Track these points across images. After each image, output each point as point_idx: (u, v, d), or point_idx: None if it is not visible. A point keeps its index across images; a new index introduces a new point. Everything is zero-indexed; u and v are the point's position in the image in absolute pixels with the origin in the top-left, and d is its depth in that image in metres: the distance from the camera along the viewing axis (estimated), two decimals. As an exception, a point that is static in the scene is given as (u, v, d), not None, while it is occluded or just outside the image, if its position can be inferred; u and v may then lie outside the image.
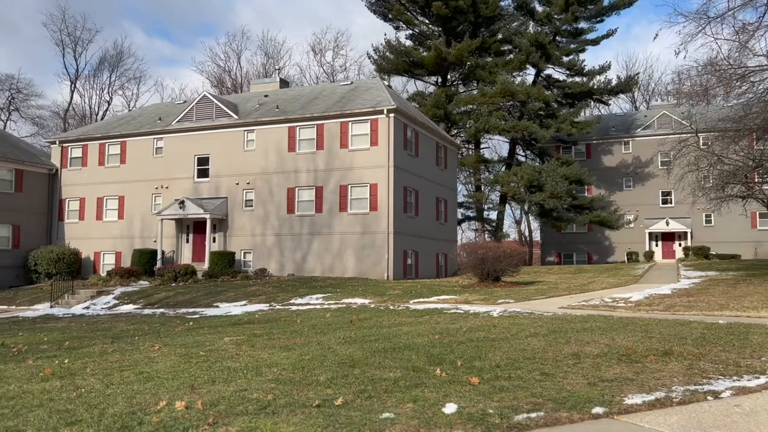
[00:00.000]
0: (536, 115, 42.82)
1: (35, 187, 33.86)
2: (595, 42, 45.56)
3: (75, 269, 31.94)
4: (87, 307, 23.12)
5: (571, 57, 44.78)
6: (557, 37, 44.90)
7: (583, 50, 45.68)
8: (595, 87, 45.08)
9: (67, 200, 34.25)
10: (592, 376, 7.34)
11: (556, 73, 46.73)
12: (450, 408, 5.95)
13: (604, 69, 44.81)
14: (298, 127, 29.71)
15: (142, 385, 7.48)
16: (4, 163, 32.47)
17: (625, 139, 46.76)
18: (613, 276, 25.93)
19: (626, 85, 47.13)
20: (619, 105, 63.05)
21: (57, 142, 35.38)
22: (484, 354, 8.93)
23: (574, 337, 10.35)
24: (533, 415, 5.76)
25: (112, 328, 15.49)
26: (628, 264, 36.94)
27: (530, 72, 45.92)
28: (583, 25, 45.29)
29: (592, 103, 49.05)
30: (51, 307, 23.91)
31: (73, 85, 59.81)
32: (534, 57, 41.98)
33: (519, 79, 44.45)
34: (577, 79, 45.43)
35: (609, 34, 45.30)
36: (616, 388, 6.73)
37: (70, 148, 34.66)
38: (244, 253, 30.04)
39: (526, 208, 49.46)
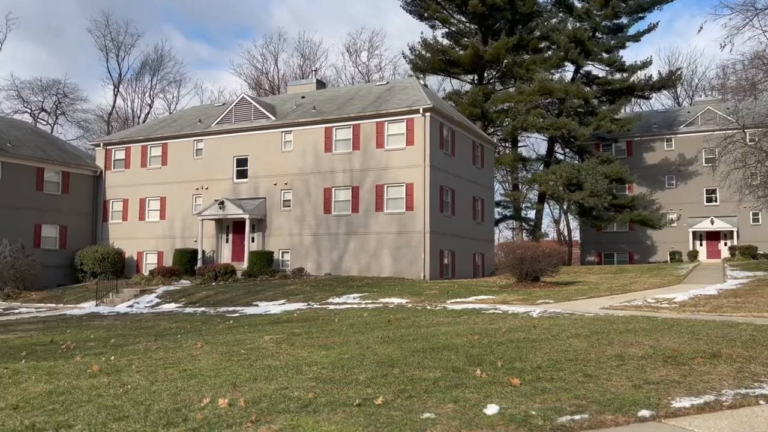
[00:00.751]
0: (575, 112, 42.13)
1: (81, 189, 34.87)
2: (636, 38, 44.57)
3: (119, 268, 32.77)
4: (130, 306, 23.70)
5: (612, 53, 43.90)
6: (597, 33, 44.09)
7: (623, 46, 44.73)
8: (637, 83, 44.11)
9: (111, 201, 35.17)
10: (637, 378, 7.18)
11: (596, 70, 45.91)
12: (491, 409, 5.90)
13: (645, 65, 43.80)
14: (334, 128, 29.88)
15: (186, 382, 7.61)
16: (51, 165, 33.55)
17: (668, 136, 45.61)
18: (656, 276, 25.34)
19: (669, 81, 46.01)
20: (661, 101, 61.61)
21: (101, 145, 36.36)
22: (524, 355, 8.82)
23: (617, 338, 10.15)
24: (577, 417, 5.67)
25: (155, 326, 15.84)
26: (671, 264, 36.04)
27: (569, 69, 45.23)
28: (623, 20, 44.33)
29: (633, 99, 48.01)
30: (96, 305, 24.58)
31: (116, 89, 61.45)
32: (573, 53, 41.32)
33: (557, 76, 43.83)
34: (618, 75, 44.52)
35: (650, 29, 44.24)
36: (663, 391, 6.57)
37: (113, 150, 35.58)
38: (282, 252, 30.36)
39: (565, 207, 48.74)
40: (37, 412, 6.28)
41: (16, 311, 23.01)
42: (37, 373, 8.68)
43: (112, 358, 9.87)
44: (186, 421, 5.70)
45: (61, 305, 25.17)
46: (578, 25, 43.76)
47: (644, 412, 5.79)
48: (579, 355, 8.75)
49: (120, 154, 35.29)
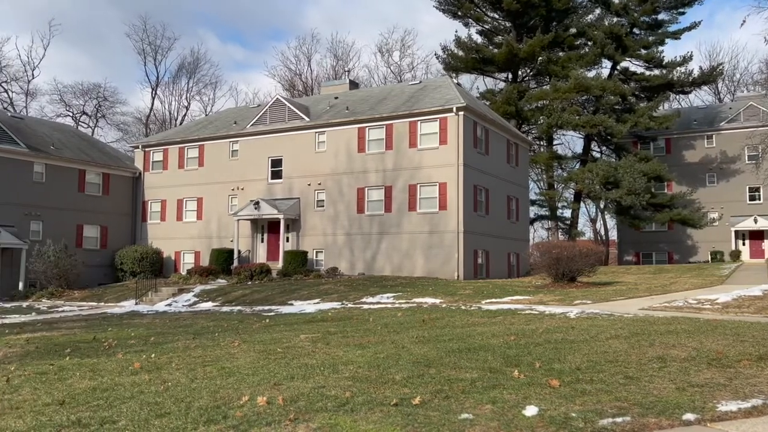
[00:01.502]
0: (612, 109, 41.37)
1: (120, 190, 35.72)
2: (676, 35, 43.52)
3: (157, 268, 33.45)
4: (169, 305, 24.15)
5: (650, 49, 42.96)
6: (634, 29, 43.21)
7: (662, 42, 43.73)
8: (676, 79, 43.06)
9: (149, 202, 35.92)
10: (680, 381, 7.01)
11: (633, 66, 44.99)
12: (530, 410, 5.82)
13: (685, 60, 42.74)
14: (367, 128, 29.95)
15: (225, 380, 7.72)
16: (93, 167, 34.45)
17: (708, 133, 44.41)
18: (697, 276, 24.71)
19: (709, 76, 44.83)
20: (701, 97, 60.04)
21: (140, 147, 37.18)
22: (563, 356, 8.69)
23: (659, 339, 9.93)
24: (619, 419, 5.56)
25: (193, 324, 16.10)
26: (713, 264, 35.09)
27: (605, 66, 44.45)
28: (663, 16, 43.33)
29: (672, 96, 46.88)
30: (136, 304, 25.12)
31: (153, 92, 62.73)
32: (609, 49, 40.58)
33: (593, 73, 43.08)
34: (656, 71, 43.55)
35: (692, 27, 43.12)
36: (708, 394, 6.40)
37: (151, 152, 36.33)
38: (316, 252, 30.56)
39: (601, 205, 47.89)
40: (82, 408, 6.44)
41: (60, 309, 23.67)
42: (81, 369, 8.90)
43: (153, 355, 10.06)
44: (226, 419, 5.77)
45: (102, 304, 25.79)
46: (615, 20, 42.96)
47: (689, 416, 5.65)
48: (619, 356, 8.59)
49: (158, 156, 36.01)
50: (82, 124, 58.63)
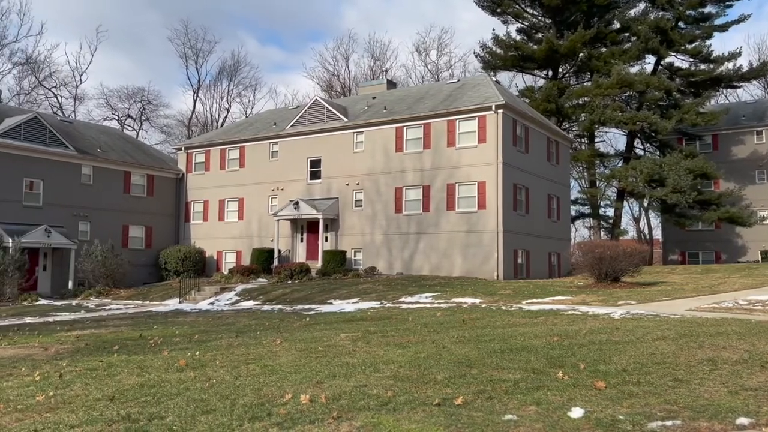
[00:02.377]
0: (656, 105, 40.33)
1: (164, 191, 36.57)
2: (724, 28, 42.10)
3: (200, 267, 34.12)
4: (211, 303, 24.59)
5: (696, 43, 41.72)
6: (680, 23, 42.04)
7: (709, 36, 42.38)
8: (724, 74, 41.70)
9: (192, 203, 36.67)
10: (732, 384, 6.79)
11: (679, 61, 43.76)
12: (576, 412, 5.72)
13: (734, 56, 41.32)
14: (405, 127, 29.93)
15: (268, 377, 7.81)
16: (138, 169, 35.36)
17: (758, 128, 42.87)
18: (747, 276, 23.88)
19: (759, 71, 43.25)
20: (749, 91, 58.01)
21: (183, 149, 37.98)
22: (608, 357, 8.52)
23: (708, 341, 9.65)
24: (669, 423, 5.41)
25: (236, 323, 16.35)
26: (763, 263, 33.85)
27: (649, 61, 43.34)
28: (710, 9, 42.00)
29: (720, 91, 45.39)
30: (179, 302, 25.67)
31: (195, 95, 64.00)
32: (654, 44, 39.56)
33: (636, 68, 42.07)
34: (703, 66, 42.26)
35: (740, 20, 41.68)
36: (762, 398, 6.18)
37: (194, 153, 37.07)
38: (355, 251, 30.70)
39: (645, 204, 46.77)
40: (131, 404, 6.60)
41: (107, 307, 24.36)
42: (129, 366, 9.13)
43: (197, 353, 10.25)
44: (270, 416, 5.84)
45: (147, 302, 26.43)
46: (660, 14, 41.87)
47: (742, 420, 5.46)
48: (667, 358, 8.37)
49: (200, 158, 36.72)
50: (127, 127, 60.27)
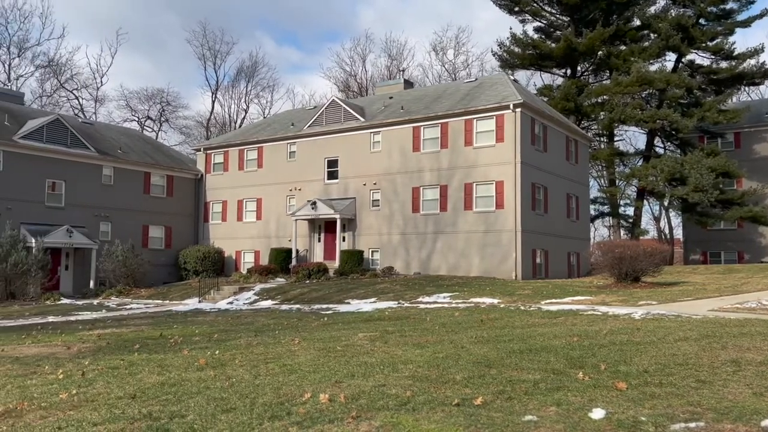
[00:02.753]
0: (677, 103, 39.81)
1: (183, 192, 36.91)
2: (746, 23, 41.39)
3: (219, 267, 34.38)
4: (230, 303, 24.77)
5: (718, 40, 41.10)
6: (701, 20, 41.45)
7: (731, 32, 41.73)
8: (746, 71, 41.02)
9: (211, 203, 36.96)
10: (757, 386, 6.68)
11: (700, 58, 43.13)
12: (597, 413, 5.67)
13: (756, 52, 40.64)
14: (422, 127, 29.89)
15: (287, 377, 7.84)
16: (158, 170, 35.74)
17: (782, 126, 42.11)
18: (771, 277, 23.48)
19: (783, 67, 42.46)
20: (773, 88, 56.98)
21: (201, 150, 38.31)
22: (629, 358, 8.43)
23: (731, 342, 9.50)
24: (692, 425, 5.34)
25: (254, 322, 16.45)
26: (788, 264, 33.26)
27: (669, 59, 42.77)
28: (732, 5, 41.35)
29: (742, 88, 44.65)
30: (199, 302, 25.88)
31: (213, 96, 64.51)
32: (675, 41, 39.04)
33: (656, 66, 41.57)
34: (724, 63, 41.62)
35: (763, 14, 40.97)
36: (789, 401, 6.06)
37: (213, 154, 37.37)
38: (372, 251, 30.72)
39: (666, 203, 46.18)
40: (152, 402, 6.66)
41: (128, 307, 24.64)
42: (149, 365, 9.22)
43: (217, 352, 10.33)
44: (289, 415, 5.86)
45: (167, 301, 26.68)
46: (681, 11, 41.32)
47: (768, 423, 5.37)
48: (689, 359, 8.26)
49: (219, 158, 37.00)
50: (147, 128, 60.93)
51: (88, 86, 59.10)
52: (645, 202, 45.94)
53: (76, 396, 7.04)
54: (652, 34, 41.82)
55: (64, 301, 27.20)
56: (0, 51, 54.26)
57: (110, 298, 28.71)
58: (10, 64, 53.74)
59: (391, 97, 34.33)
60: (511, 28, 54.56)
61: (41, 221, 29.98)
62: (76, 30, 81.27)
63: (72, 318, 20.17)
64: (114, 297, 28.82)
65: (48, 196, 30.77)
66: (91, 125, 37.89)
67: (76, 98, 58.19)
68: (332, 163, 32.42)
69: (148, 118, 62.10)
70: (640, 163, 43.34)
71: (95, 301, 27.24)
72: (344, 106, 32.97)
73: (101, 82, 60.27)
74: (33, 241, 28.68)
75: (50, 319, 20.03)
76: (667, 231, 60.17)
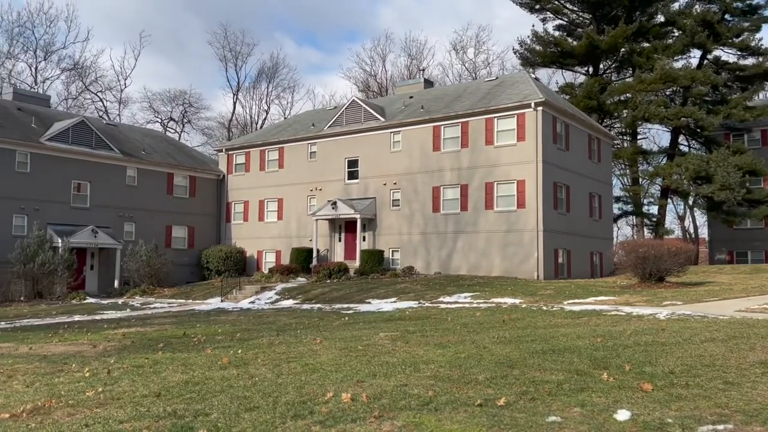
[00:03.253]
0: (702, 100, 39.18)
1: (206, 192, 37.28)
2: (773, 19, 40.64)
3: (241, 266, 34.65)
4: (252, 302, 24.94)
5: (744, 36, 40.35)
6: (726, 16, 40.74)
7: (758, 29, 40.95)
8: (774, 67, 40.21)
9: (233, 203, 37.27)
10: (787, 388, 6.53)
11: (725, 55, 42.41)
12: (622, 415, 5.60)
13: (784, 47, 39.84)
14: (442, 126, 29.81)
15: (309, 376, 7.87)
16: (180, 171, 36.14)
17: (811, 123, 41.20)
18: (800, 277, 23.02)
19: (811, 63, 41.55)
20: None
21: (223, 150, 38.63)
22: (654, 359, 8.32)
23: (760, 343, 9.32)
24: (720, 427, 5.25)
25: (276, 321, 16.55)
26: (818, 263, 32.53)
27: (694, 55, 42.14)
28: (757, 0, 40.55)
29: (769, 84, 43.75)
30: (221, 301, 26.11)
31: (235, 97, 65.04)
32: (700, 38, 38.43)
33: (681, 63, 40.96)
34: (751, 60, 40.87)
35: (790, 10, 40.15)
36: (820, 403, 5.92)
37: (234, 155, 37.67)
38: (392, 251, 30.71)
39: (690, 202, 45.47)
40: (177, 400, 6.73)
41: (151, 306, 24.95)
42: (173, 363, 9.32)
43: (239, 351, 10.40)
44: (312, 414, 5.88)
45: (190, 301, 26.96)
46: (706, 7, 40.66)
47: (800, 426, 5.25)
48: (716, 360, 8.12)
49: (240, 159, 37.29)
50: (170, 130, 61.63)
51: (112, 88, 60.01)
52: (669, 200, 45.32)
53: (102, 394, 7.14)
54: (676, 31, 41.24)
55: (90, 300, 27.63)
56: (27, 55, 55.39)
57: (134, 297, 29.10)
58: (36, 68, 54.83)
59: (411, 97, 34.29)
60: (533, 26, 54.09)
61: (67, 221, 30.50)
62: (100, 33, 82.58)
63: (97, 317, 20.49)
64: (138, 296, 29.20)
65: (73, 197, 31.28)
66: (116, 127, 38.44)
67: (101, 100, 59.13)
68: (352, 163, 32.49)
69: (171, 119, 62.87)
70: (664, 162, 42.76)
71: (120, 301, 27.63)
72: (364, 106, 33.01)
73: (125, 84, 61.27)
74: (59, 241, 29.18)
75: (76, 318, 20.37)
76: (691, 230, 59.24)
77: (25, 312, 23.04)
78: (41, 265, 27.81)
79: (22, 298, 27.67)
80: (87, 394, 7.15)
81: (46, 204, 29.94)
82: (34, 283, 28.10)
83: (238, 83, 66.36)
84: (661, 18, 41.76)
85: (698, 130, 40.15)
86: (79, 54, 72.51)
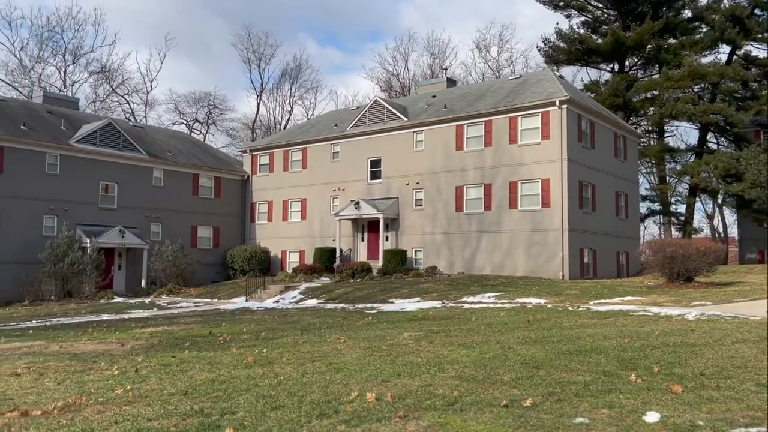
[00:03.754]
0: (731, 97, 38.44)
1: (230, 193, 37.64)
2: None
3: (265, 266, 34.91)
4: (276, 301, 25.11)
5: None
6: (756, 10, 39.90)
7: (789, 22, 40.08)
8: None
9: (257, 203, 37.58)
10: (823, 391, 6.37)
11: (755, 50, 41.56)
12: (652, 417, 5.51)
13: (815, 41, 38.91)
14: (465, 125, 29.67)
15: (333, 375, 7.88)
16: (206, 172, 36.56)
17: None
18: (835, 277, 22.41)
19: None
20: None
21: (247, 151, 38.97)
22: (683, 360, 8.17)
23: (794, 345, 9.09)
24: (753, 430, 5.14)
25: (300, 320, 16.62)
26: None
27: (723, 51, 41.51)
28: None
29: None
30: (246, 300, 26.32)
31: (258, 98, 65.60)
32: (730, 33, 37.70)
33: (709, 59, 40.26)
34: (782, 54, 39.99)
35: (822, 2, 39.19)
36: None
37: (258, 155, 37.98)
38: (415, 251, 30.67)
39: (719, 200, 44.60)
40: (203, 398, 6.80)
41: (178, 305, 25.26)
42: (200, 362, 9.42)
43: (264, 350, 10.47)
44: (337, 413, 5.89)
45: (215, 300, 27.24)
46: (735, 2, 39.87)
47: (837, 430, 5.11)
48: (748, 362, 7.95)
49: (264, 159, 37.57)
50: (195, 131, 62.35)
51: (139, 91, 60.93)
52: (697, 199, 44.52)
53: (131, 392, 7.24)
54: (704, 26, 40.52)
55: (117, 299, 28.09)
56: (56, 59, 56.50)
57: (161, 296, 29.49)
58: (65, 71, 55.91)
59: (434, 96, 34.21)
60: (557, 24, 53.82)
61: (95, 222, 31.04)
62: (126, 36, 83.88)
63: (125, 316, 20.81)
64: (164, 296, 29.59)
65: (101, 198, 31.82)
66: (142, 129, 39.00)
67: (128, 102, 60.06)
68: (375, 163, 32.52)
69: (196, 120, 63.60)
70: (692, 160, 42.03)
71: (147, 300, 28.02)
72: (387, 105, 33.02)
73: (151, 86, 62.11)
74: (88, 241, 29.71)
75: (104, 317, 20.71)
76: (720, 229, 58.14)
77: (55, 311, 23.49)
78: (71, 265, 28.35)
79: (52, 297, 28.23)
80: (116, 392, 7.26)
81: (75, 205, 30.50)
82: (63, 282, 28.65)
83: (262, 84, 67.07)
84: (688, 13, 41.11)
85: (728, 127, 39.41)
86: (106, 57, 73.87)
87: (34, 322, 19.35)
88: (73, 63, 56.63)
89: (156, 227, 33.74)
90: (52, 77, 55.42)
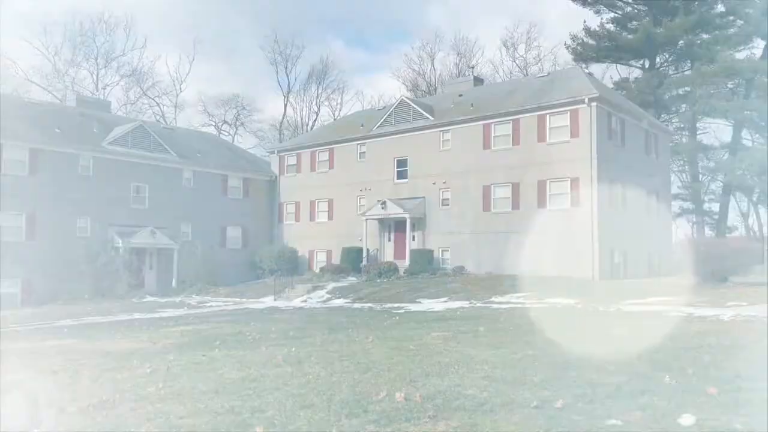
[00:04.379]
0: (766, 93, 37.48)
1: (258, 193, 37.99)
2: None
3: (293, 266, 35.12)
4: (304, 301, 25.26)
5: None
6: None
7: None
8: None
9: (284, 204, 37.86)
10: None
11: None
12: (687, 419, 5.39)
13: None
14: (492, 124, 29.45)
15: (362, 375, 7.89)
16: (234, 173, 36.97)
17: None
18: None
19: None
20: None
21: (275, 152, 39.28)
22: (718, 362, 7.99)
23: (835, 347, 8.82)
24: (793, 435, 4.98)
25: (328, 320, 16.70)
26: None
27: (757, 45, 40.38)
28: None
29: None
30: (274, 300, 26.53)
31: (286, 99, 66.00)
32: (764, 27, 36.78)
33: (743, 54, 39.33)
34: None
35: None
36: None
37: (286, 156, 38.26)
38: (442, 251, 30.55)
39: (755, 198, 43.51)
40: (234, 397, 6.86)
41: (207, 305, 25.58)
42: (230, 361, 9.52)
43: (293, 349, 10.53)
44: (366, 413, 5.89)
45: (244, 300, 27.50)
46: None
47: None
48: (787, 364, 7.73)
49: (292, 160, 37.84)
50: (224, 133, 63.06)
51: (168, 93, 61.83)
52: (732, 197, 43.51)
53: (163, 390, 7.35)
54: (738, 21, 39.60)
55: (149, 299, 28.56)
56: (89, 62, 57.68)
57: (191, 296, 29.89)
58: (97, 75, 57.08)
59: (460, 95, 34.03)
60: (585, 21, 52.95)
61: (127, 223, 31.59)
62: (156, 40, 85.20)
63: (156, 315, 21.14)
64: (194, 295, 29.98)
65: (133, 199, 32.37)
66: (172, 130, 39.59)
67: (158, 105, 61.04)
68: (402, 163, 32.48)
69: (225, 122, 64.32)
70: (725, 157, 41.09)
71: (177, 299, 28.43)
72: (413, 105, 32.96)
73: (180, 89, 62.82)
74: (120, 241, 30.27)
75: (136, 315, 21.08)
76: (756, 228, 56.67)
77: (89, 310, 23.98)
78: (104, 265, 28.93)
79: (86, 297, 28.82)
80: (148, 389, 7.37)
81: (107, 206, 31.06)
82: (97, 282, 29.24)
83: (289, 86, 67.23)
84: (721, 8, 40.21)
85: (763, 124, 38.43)
86: (137, 61, 74.93)
87: (69, 320, 19.78)
88: (105, 66, 57.79)
89: (186, 227, 34.21)
90: (84, 81, 56.64)
